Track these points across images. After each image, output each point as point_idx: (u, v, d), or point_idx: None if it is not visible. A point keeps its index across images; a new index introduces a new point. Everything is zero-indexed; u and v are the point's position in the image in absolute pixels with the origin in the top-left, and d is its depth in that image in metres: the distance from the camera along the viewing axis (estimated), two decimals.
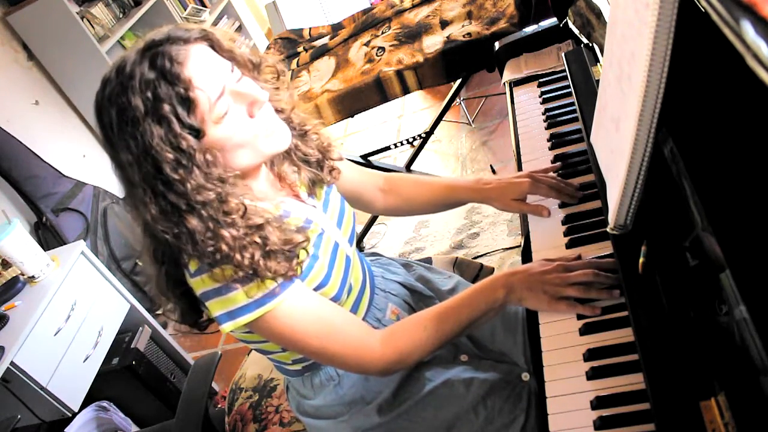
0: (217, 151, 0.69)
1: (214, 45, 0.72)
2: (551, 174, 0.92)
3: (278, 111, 0.79)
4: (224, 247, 0.67)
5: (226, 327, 0.72)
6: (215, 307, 0.72)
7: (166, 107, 0.64)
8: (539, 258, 0.85)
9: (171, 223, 0.67)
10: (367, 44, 1.96)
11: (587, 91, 0.95)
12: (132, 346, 1.76)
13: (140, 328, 1.83)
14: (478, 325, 0.80)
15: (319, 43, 2.17)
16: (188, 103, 0.65)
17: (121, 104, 0.65)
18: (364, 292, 0.90)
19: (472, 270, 1.13)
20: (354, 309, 0.88)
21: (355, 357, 0.76)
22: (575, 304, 0.74)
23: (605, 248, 0.81)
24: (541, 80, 1.22)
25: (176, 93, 0.65)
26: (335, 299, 0.81)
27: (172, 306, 0.78)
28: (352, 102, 1.80)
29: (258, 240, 0.69)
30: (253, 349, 0.91)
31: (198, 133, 0.67)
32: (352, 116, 1.86)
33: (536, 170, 0.93)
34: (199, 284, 0.72)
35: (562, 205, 0.92)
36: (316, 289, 0.78)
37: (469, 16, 1.78)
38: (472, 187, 0.95)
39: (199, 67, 0.67)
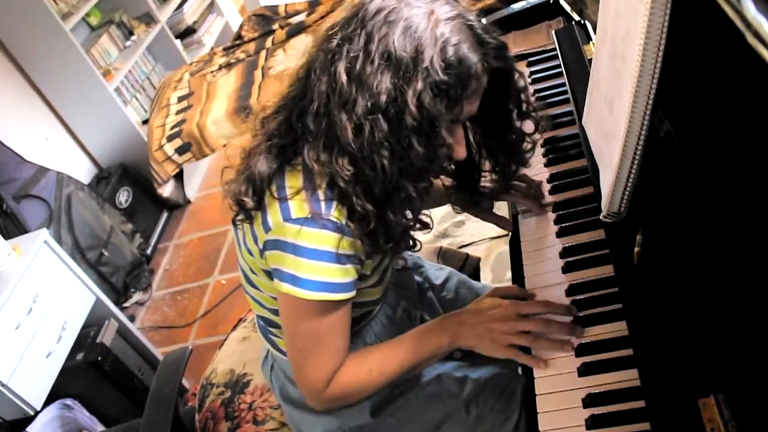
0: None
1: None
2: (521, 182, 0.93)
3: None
4: (401, 195, 0.69)
5: (280, 286, 0.71)
6: (285, 262, 0.69)
7: (442, 78, 0.64)
8: (528, 249, 0.85)
9: (372, 153, 0.66)
10: None
11: (579, 70, 0.94)
12: (97, 340, 1.72)
13: (106, 321, 1.79)
14: (422, 368, 0.82)
15: (295, 20, 2.14)
16: (453, 100, 0.67)
17: (415, 37, 0.64)
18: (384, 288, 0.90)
19: (458, 260, 1.12)
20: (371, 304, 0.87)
21: (313, 377, 0.76)
22: (520, 353, 0.73)
23: (598, 237, 0.79)
24: (530, 59, 1.20)
25: (455, 83, 0.65)
26: (375, 286, 0.81)
27: (242, 188, 0.72)
28: None
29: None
30: (259, 316, 0.89)
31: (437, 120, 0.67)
32: None
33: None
34: (291, 233, 0.68)
35: (552, 191, 0.91)
36: (362, 278, 0.77)
37: None
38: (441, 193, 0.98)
39: (476, 91, 0.69)
